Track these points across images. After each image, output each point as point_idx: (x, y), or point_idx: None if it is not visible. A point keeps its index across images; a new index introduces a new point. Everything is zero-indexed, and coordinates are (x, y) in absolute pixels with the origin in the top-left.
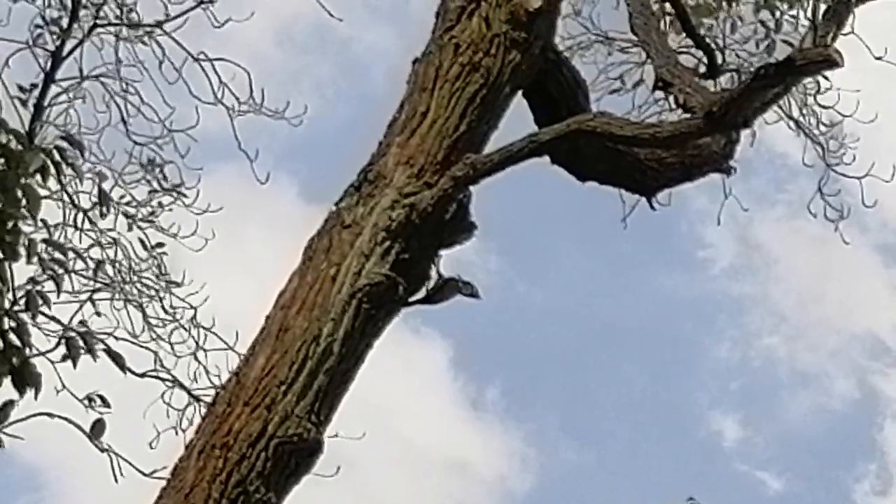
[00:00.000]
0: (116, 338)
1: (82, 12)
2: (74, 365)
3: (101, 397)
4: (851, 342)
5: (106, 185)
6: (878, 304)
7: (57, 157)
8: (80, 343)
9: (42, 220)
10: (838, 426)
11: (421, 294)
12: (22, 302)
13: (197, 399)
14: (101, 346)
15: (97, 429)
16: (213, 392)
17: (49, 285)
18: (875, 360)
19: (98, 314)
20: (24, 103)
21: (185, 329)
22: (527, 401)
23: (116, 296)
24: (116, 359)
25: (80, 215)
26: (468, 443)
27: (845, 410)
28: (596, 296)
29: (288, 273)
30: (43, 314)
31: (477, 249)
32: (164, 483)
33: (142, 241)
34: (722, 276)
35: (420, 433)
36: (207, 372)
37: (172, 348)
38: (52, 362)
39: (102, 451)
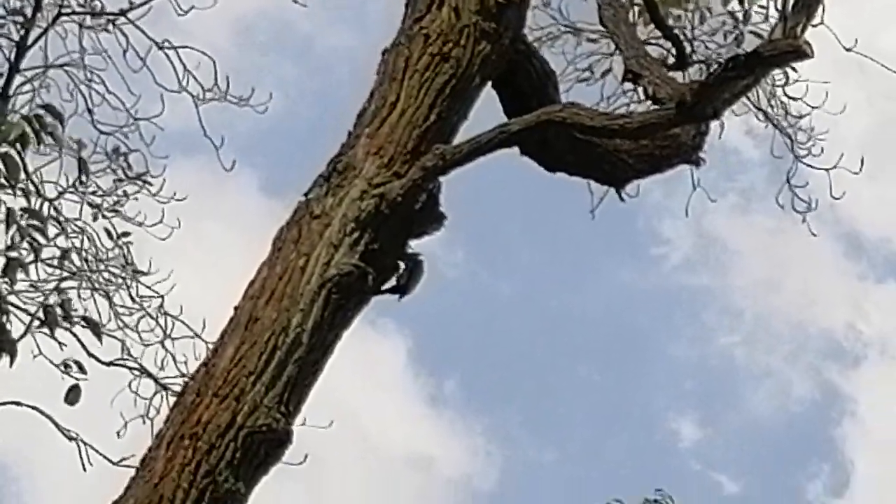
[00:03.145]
0: (83, 326)
1: (46, 1)
2: (52, 333)
3: (78, 363)
4: (810, 340)
5: (72, 173)
6: (836, 298)
7: (37, 125)
8: (59, 311)
9: (21, 189)
10: (796, 425)
11: (390, 284)
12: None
13: (164, 387)
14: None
15: (72, 395)
16: (180, 380)
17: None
18: (833, 359)
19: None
20: None
21: (152, 317)
22: (486, 394)
23: (83, 284)
24: (93, 327)
25: (46, 204)
26: (429, 437)
27: (803, 409)
28: (558, 289)
29: (251, 264)
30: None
31: (442, 241)
32: (132, 471)
33: (107, 231)
34: (679, 270)
35: (379, 426)
36: (175, 360)
37: (140, 337)
38: (30, 331)
39: (70, 439)
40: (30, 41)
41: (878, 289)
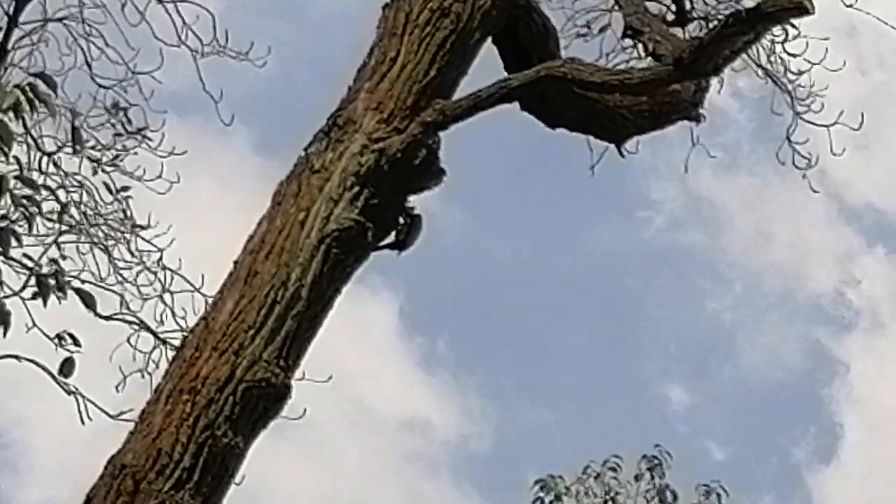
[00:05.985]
0: (82, 280)
1: None
2: (45, 303)
3: (72, 336)
4: (799, 304)
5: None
6: (826, 261)
7: (31, 94)
8: (51, 282)
9: (14, 157)
10: (785, 391)
11: (390, 239)
12: None
13: (163, 341)
14: (71, 284)
15: (66, 368)
16: (179, 334)
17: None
18: (823, 324)
19: (63, 257)
20: None
21: (151, 271)
22: (478, 356)
23: (82, 238)
24: (86, 298)
25: (45, 158)
26: (422, 397)
27: (792, 375)
28: (549, 251)
29: (245, 221)
30: (12, 259)
31: (439, 199)
32: (131, 426)
33: (107, 185)
34: (668, 231)
35: (371, 386)
36: (174, 314)
37: (139, 291)
38: (24, 299)
39: (69, 393)
40: None
41: (867, 254)
